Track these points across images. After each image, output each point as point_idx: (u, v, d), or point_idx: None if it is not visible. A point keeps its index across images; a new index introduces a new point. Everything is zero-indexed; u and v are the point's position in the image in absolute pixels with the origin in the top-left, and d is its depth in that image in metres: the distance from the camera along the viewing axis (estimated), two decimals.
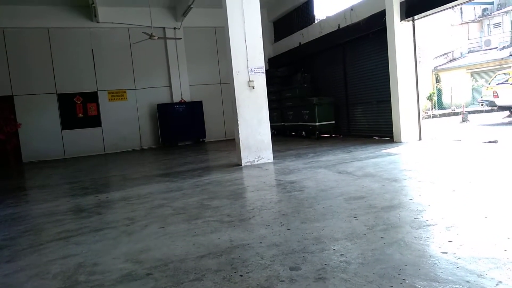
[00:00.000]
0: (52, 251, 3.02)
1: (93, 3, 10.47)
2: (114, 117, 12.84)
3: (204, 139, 13.71)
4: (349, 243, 2.61)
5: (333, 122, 10.82)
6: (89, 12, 11.87)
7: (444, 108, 22.07)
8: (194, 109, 13.23)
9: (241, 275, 2.25)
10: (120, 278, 2.38)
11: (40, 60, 11.97)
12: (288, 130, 12.64)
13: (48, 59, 12.07)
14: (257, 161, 6.82)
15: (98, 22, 12.00)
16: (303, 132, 11.54)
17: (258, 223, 3.29)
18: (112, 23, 12.22)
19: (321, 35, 11.33)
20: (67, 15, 11.97)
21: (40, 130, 11.97)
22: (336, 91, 11.13)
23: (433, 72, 24.11)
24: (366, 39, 9.62)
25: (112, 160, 10.48)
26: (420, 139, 8.36)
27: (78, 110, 12.46)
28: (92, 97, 12.61)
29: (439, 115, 18.96)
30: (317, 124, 10.54)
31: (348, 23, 10.02)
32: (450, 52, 25.12)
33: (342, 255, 2.40)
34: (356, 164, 5.85)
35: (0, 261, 2.90)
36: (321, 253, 2.46)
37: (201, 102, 13.43)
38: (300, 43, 12.65)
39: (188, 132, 13.25)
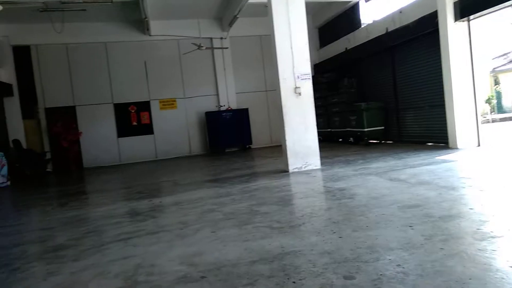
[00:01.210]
0: (113, 252, 3.20)
1: (145, 18, 11.03)
2: (165, 125, 13.39)
3: (250, 145, 13.86)
4: (405, 253, 2.51)
5: (382, 127, 10.49)
6: (142, 26, 12.52)
7: (505, 112, 20.58)
8: (240, 116, 13.44)
9: (294, 282, 2.25)
10: (176, 280, 2.47)
11: (98, 73, 12.81)
12: (335, 136, 12.43)
13: (105, 71, 12.88)
14: (304, 168, 6.78)
15: (150, 35, 12.63)
16: (351, 138, 11.30)
17: (308, 230, 3.27)
18: (163, 35, 12.79)
19: (368, 39, 11.08)
20: (122, 30, 12.72)
21: (99, 138, 12.76)
22: (384, 96, 10.80)
23: (492, 74, 22.61)
24: (416, 42, 9.26)
25: (163, 166, 10.91)
26: (478, 145, 7.86)
27: (132, 118, 13.15)
28: (145, 106, 13.25)
29: (500, 119, 17.71)
30: (365, 130, 10.28)
31: (397, 26, 9.71)
32: (510, 53, 23.46)
33: (398, 265, 2.32)
34: (409, 171, 5.62)
35: (68, 259, 3.12)
36: (376, 263, 2.40)
37: (247, 109, 13.62)
38: (346, 48, 12.46)
39: (234, 139, 13.47)
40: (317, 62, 14.32)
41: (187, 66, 13.53)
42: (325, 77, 13.01)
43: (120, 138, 13.04)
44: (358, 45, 11.64)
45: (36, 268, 3.00)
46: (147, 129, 13.27)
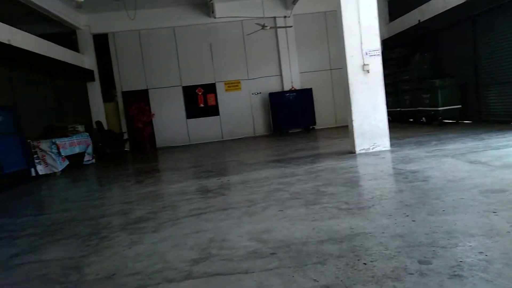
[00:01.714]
0: (187, 226, 3.41)
1: (211, 0, 11.23)
2: (230, 106, 13.71)
3: (314, 126, 13.67)
4: (488, 240, 2.34)
5: (459, 106, 9.68)
6: (208, 9, 12.77)
7: None
8: (304, 97, 13.27)
9: (365, 263, 2.22)
10: (247, 254, 2.57)
11: (168, 56, 13.42)
12: (405, 116, 11.76)
13: (174, 55, 13.45)
14: (372, 149, 6.54)
15: (215, 18, 12.85)
16: (423, 118, 10.61)
17: (378, 212, 3.18)
18: (227, 17, 12.94)
19: (445, 9, 10.14)
20: (188, 14, 13.10)
21: (169, 119, 13.50)
22: (462, 71, 9.90)
23: None
24: (503, 10, 8.28)
25: (229, 146, 11.23)
26: None
27: (200, 100, 13.65)
28: (211, 88, 13.66)
29: None
30: (439, 108, 9.57)
31: None
32: None
33: (481, 252, 2.17)
34: (491, 153, 5.15)
35: (148, 231, 3.39)
36: (454, 249, 2.27)
37: (311, 89, 13.40)
38: (419, 20, 11.55)
39: (298, 120, 13.37)
40: (386, 37, 13.52)
41: (251, 47, 13.60)
42: (394, 52, 12.26)
43: (188, 120, 13.65)
44: (433, 17, 10.74)
45: (121, 237, 3.30)
46: (214, 110, 13.71)
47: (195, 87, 13.60)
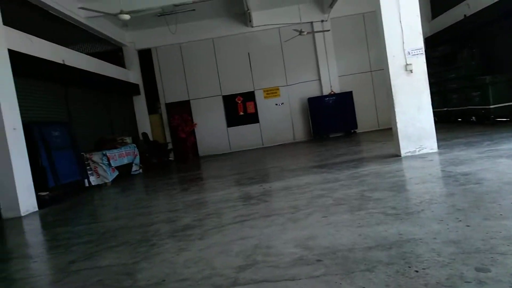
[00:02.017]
0: (232, 232, 3.46)
1: (248, 10, 11.42)
2: (269, 113, 13.79)
3: (355, 130, 13.39)
4: None
5: None
6: (245, 19, 12.99)
7: None
8: (344, 100, 13.06)
9: (417, 271, 2.14)
10: (293, 261, 2.56)
11: (208, 67, 13.78)
12: (453, 116, 11.20)
13: (213, 66, 13.79)
14: (418, 151, 6.28)
15: (252, 27, 13.05)
16: (473, 117, 10.06)
17: (428, 217, 3.05)
18: (265, 25, 13.09)
19: (494, 1, 9.59)
20: (226, 25, 13.41)
21: (211, 128, 13.81)
22: None
23: None
24: None
25: (269, 153, 11.27)
26: None
27: (239, 109, 13.86)
28: (250, 96, 13.84)
29: None
30: (491, 107, 9.02)
31: None
32: None
33: None
34: None
35: (194, 238, 3.48)
36: None
37: (351, 92, 13.16)
38: (465, 15, 11.01)
39: (339, 124, 13.17)
40: (429, 35, 13.00)
41: (288, 53, 13.63)
42: (438, 50, 11.76)
43: (229, 128, 13.88)
44: (481, 10, 10.19)
45: (169, 244, 3.41)
46: (253, 118, 13.85)
47: (234, 95, 13.83)
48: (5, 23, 7.11)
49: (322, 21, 13.31)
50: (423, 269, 2.15)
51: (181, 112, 13.60)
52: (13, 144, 6.40)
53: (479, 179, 3.99)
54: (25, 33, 7.87)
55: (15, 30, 7.57)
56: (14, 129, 6.49)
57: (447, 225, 2.80)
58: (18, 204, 6.32)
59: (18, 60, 7.06)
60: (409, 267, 2.20)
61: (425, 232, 2.71)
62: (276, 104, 13.76)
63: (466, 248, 2.33)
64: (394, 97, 6.31)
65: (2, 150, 6.27)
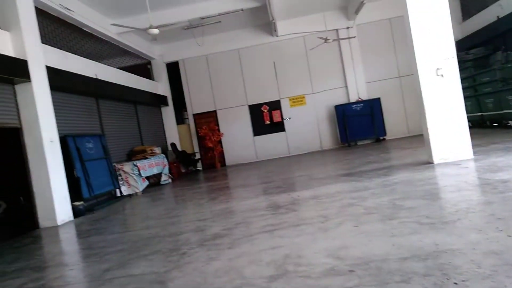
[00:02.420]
0: (261, 242, 3.45)
1: (273, 20, 11.51)
2: (295, 122, 13.74)
3: (384, 137, 13.11)
4: None
5: None
6: (270, 28, 13.09)
7: None
8: (372, 107, 12.84)
9: (456, 283, 2.05)
10: (324, 272, 2.52)
11: (234, 77, 13.95)
12: (488, 121, 10.76)
13: (239, 76, 13.94)
14: (452, 158, 6.06)
15: (277, 36, 13.13)
16: (509, 122, 9.62)
17: (466, 227, 2.93)
18: (290, 34, 13.14)
19: None
20: (252, 35, 13.56)
21: (237, 138, 13.91)
22: None
23: None
24: None
25: (296, 161, 11.21)
26: None
27: (265, 117, 13.89)
28: (275, 105, 13.85)
29: None
30: None
31: None
32: None
33: None
34: None
35: (224, 247, 3.49)
36: None
37: (379, 99, 12.93)
38: (498, 16, 10.64)
39: (367, 131, 12.94)
40: (460, 38, 12.62)
41: (314, 61, 13.60)
42: (471, 53, 11.38)
43: (255, 137, 13.93)
44: None
45: (199, 253, 3.44)
46: (279, 126, 13.84)
47: (260, 105, 13.90)
48: (43, 41, 7.51)
49: (348, 28, 13.21)
50: (463, 281, 2.06)
51: (208, 122, 13.79)
52: (50, 156, 6.69)
53: None
54: (61, 50, 8.28)
55: (52, 47, 7.97)
56: (51, 141, 6.79)
57: (487, 235, 2.68)
58: (54, 213, 6.58)
59: (54, 75, 7.41)
60: (447, 279, 2.12)
61: (463, 243, 2.61)
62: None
63: (509, 259, 2.22)
64: (425, 103, 6.14)
65: (41, 162, 6.57)
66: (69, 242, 5.30)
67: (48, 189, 6.58)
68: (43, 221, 6.61)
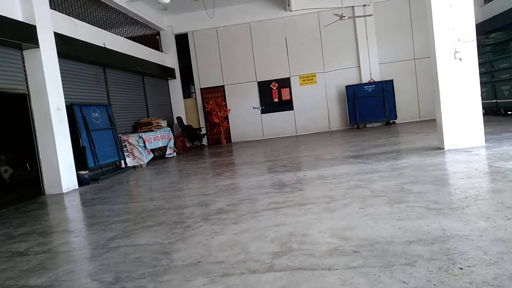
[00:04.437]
0: (266, 219, 3.44)
1: None
2: (304, 101, 13.57)
3: (395, 120, 12.93)
4: None
5: None
6: (283, 3, 12.73)
7: None
8: (384, 89, 12.60)
9: (461, 268, 2.02)
10: (329, 251, 2.50)
11: (243, 52, 13.70)
12: (503, 109, 10.54)
13: (249, 51, 13.68)
14: (464, 145, 5.95)
15: (291, 11, 12.78)
16: None
17: (474, 213, 2.88)
18: (303, 9, 12.77)
19: None
20: (264, 9, 13.21)
21: (244, 114, 13.80)
22: None
23: None
24: None
25: (303, 141, 11.13)
26: None
27: (274, 95, 13.72)
28: (285, 83, 13.65)
29: None
30: None
31: None
32: None
33: None
34: None
35: (228, 222, 3.49)
36: None
37: (391, 81, 12.66)
38: None
39: (377, 113, 12.75)
40: (480, 21, 12.20)
41: (327, 39, 13.28)
42: (490, 38, 11.03)
43: (263, 114, 13.80)
44: None
45: (204, 227, 3.44)
46: (288, 105, 13.68)
47: (269, 82, 13.70)
48: (52, 7, 7.37)
49: (364, 5, 12.80)
50: (468, 266, 2.03)
51: (216, 97, 13.67)
52: (57, 124, 6.69)
53: None
54: (69, 17, 8.13)
55: (61, 13, 7.84)
56: (58, 109, 6.78)
57: (495, 222, 2.63)
58: (60, 181, 6.64)
59: (62, 42, 7.31)
60: (453, 263, 2.09)
61: (470, 229, 2.57)
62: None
63: None
64: (441, 87, 5.99)
65: (47, 129, 6.58)
66: (74, 209, 5.36)
67: (54, 157, 6.61)
68: (49, 188, 6.68)
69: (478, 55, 6.16)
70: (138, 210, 4.53)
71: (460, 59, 5.86)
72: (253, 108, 13.64)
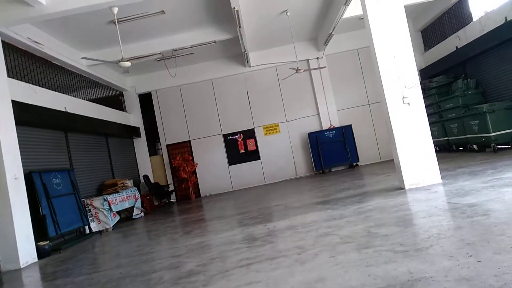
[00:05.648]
0: (237, 278, 3.36)
1: (245, 51, 11.76)
2: (270, 150, 13.82)
3: (357, 163, 13.36)
4: None
5: None
6: (242, 59, 13.35)
7: None
8: (344, 134, 13.13)
9: None
10: None
11: (207, 107, 13.99)
12: (454, 145, 11.22)
13: (213, 105, 14.00)
14: (422, 183, 6.23)
15: (250, 67, 13.39)
16: (474, 146, 10.06)
17: (438, 253, 2.97)
18: (262, 64, 13.43)
19: (483, 33, 9.91)
20: (225, 66, 13.77)
21: (212, 168, 13.78)
22: None
23: None
24: None
25: (272, 190, 11.18)
26: None
27: (240, 146, 13.90)
28: (250, 134, 13.93)
29: None
30: (491, 134, 9.05)
31: None
32: None
33: None
34: None
35: (199, 284, 3.37)
36: None
37: (350, 126, 13.26)
38: (456, 47, 11.34)
39: (340, 157, 13.16)
40: (423, 67, 13.33)
41: (286, 90, 13.89)
42: (434, 81, 11.99)
43: (230, 166, 13.85)
44: (472, 41, 10.51)
45: None
46: (254, 155, 13.86)
47: (235, 133, 13.93)
48: (9, 75, 7.32)
49: (318, 58, 13.67)
50: None
51: (182, 153, 13.65)
52: (14, 194, 6.37)
53: (486, 210, 3.93)
54: (28, 84, 8.08)
55: (18, 81, 7.78)
56: (16, 178, 6.49)
57: (458, 261, 2.72)
58: (17, 255, 6.17)
59: (21, 110, 7.19)
60: None
61: (435, 270, 2.63)
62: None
63: (479, 285, 2.25)
64: (394, 130, 6.35)
65: (3, 200, 6.23)
66: (32, 286, 4.97)
67: (11, 229, 6.20)
68: (5, 264, 6.19)
69: (425, 97, 6.68)
70: (103, 280, 4.28)
71: (408, 103, 6.31)
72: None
